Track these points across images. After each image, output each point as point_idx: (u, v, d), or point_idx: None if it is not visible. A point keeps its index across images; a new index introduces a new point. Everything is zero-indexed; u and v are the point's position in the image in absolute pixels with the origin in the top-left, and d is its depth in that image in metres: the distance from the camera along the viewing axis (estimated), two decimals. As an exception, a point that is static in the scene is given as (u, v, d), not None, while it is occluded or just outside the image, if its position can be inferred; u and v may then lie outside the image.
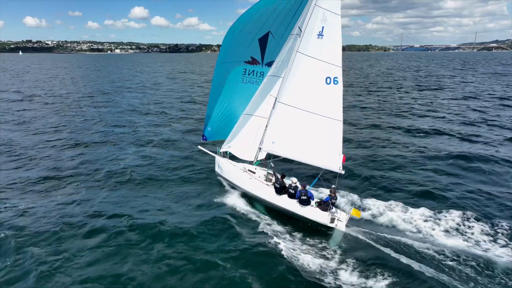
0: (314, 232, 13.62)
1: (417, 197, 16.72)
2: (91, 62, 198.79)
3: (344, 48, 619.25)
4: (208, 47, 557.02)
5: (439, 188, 17.71)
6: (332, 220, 13.26)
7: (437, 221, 14.17)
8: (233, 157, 17.79)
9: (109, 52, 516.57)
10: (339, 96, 14.88)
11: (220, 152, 17.76)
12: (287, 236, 13.21)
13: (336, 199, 13.65)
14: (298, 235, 13.34)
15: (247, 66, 18.96)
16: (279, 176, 15.57)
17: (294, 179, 14.87)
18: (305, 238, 13.09)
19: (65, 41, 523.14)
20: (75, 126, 31.66)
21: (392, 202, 15.57)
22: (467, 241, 12.78)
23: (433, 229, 13.55)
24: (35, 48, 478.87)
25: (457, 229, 13.66)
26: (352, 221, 13.79)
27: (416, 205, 15.42)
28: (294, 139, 15.35)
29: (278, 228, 13.76)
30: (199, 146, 20.14)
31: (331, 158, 14.74)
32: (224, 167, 17.39)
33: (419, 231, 13.43)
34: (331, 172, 14.91)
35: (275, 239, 12.74)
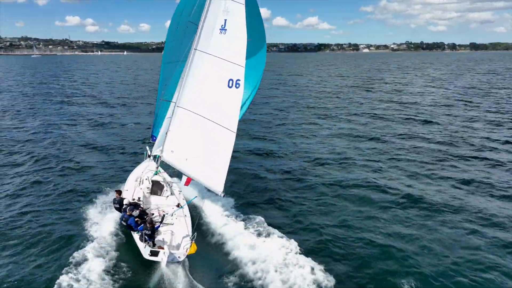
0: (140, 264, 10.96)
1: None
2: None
3: (487, 47, 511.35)
4: (326, 46, 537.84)
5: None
6: (154, 254, 10.55)
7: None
8: None
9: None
10: (237, 102, 12.38)
11: (149, 155, 16.33)
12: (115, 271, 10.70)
13: (152, 232, 10.92)
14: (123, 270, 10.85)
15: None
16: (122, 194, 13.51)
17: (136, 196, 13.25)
18: (126, 274, 10.67)
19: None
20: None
21: (252, 229, 12.72)
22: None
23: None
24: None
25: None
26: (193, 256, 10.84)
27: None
28: (190, 149, 13.41)
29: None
30: (147, 147, 18.18)
31: (214, 176, 12.36)
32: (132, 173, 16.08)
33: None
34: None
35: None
